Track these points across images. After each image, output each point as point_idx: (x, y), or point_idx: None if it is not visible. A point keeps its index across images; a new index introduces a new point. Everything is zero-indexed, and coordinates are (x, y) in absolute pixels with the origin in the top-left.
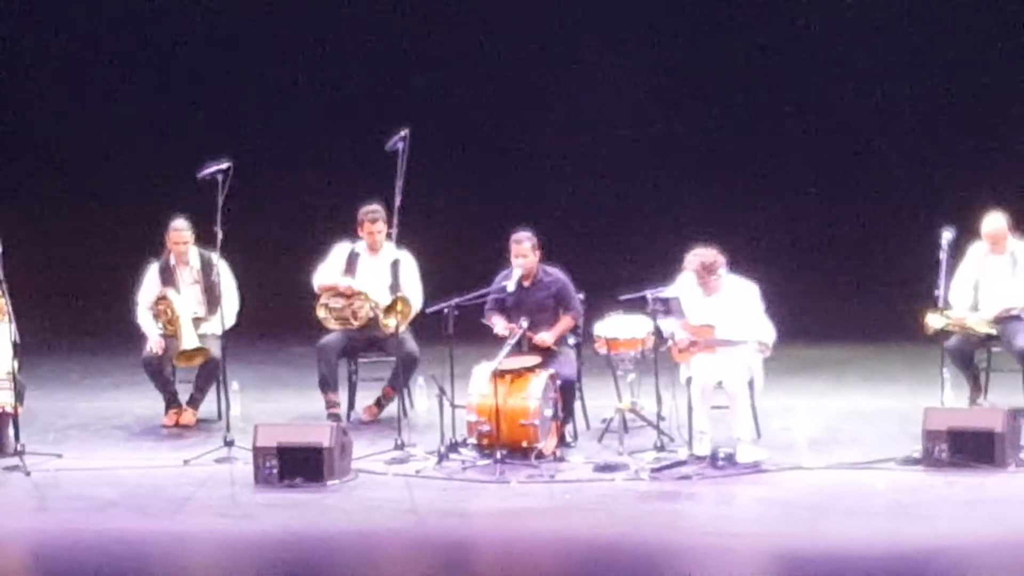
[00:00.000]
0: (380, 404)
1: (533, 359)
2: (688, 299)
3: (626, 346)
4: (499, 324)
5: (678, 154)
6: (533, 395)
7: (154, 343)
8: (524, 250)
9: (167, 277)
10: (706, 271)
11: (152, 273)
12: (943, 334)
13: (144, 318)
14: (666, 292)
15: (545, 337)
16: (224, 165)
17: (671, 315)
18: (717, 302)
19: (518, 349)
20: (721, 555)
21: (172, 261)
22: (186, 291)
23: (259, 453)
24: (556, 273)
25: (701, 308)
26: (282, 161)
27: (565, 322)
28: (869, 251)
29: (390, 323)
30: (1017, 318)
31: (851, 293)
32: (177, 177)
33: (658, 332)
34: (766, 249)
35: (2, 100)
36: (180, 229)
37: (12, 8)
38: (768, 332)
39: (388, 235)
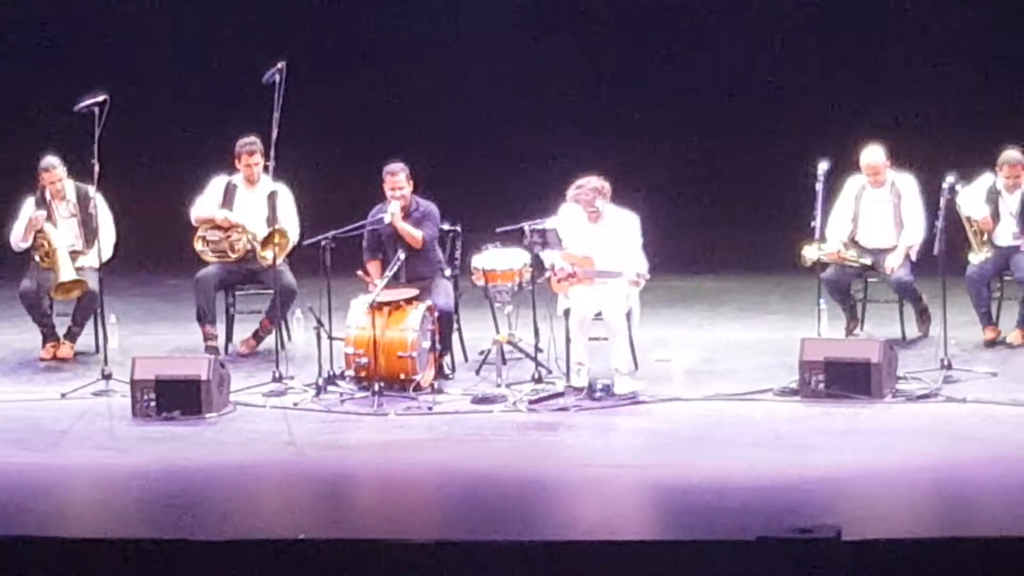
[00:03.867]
0: (258, 336)
1: (410, 291)
2: (570, 229)
3: (503, 278)
4: (373, 280)
5: (554, 85)
6: (411, 327)
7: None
8: (399, 181)
9: (43, 210)
10: (597, 192)
11: (28, 207)
12: (820, 265)
13: (17, 232)
14: (544, 224)
15: (395, 212)
16: (100, 98)
17: (548, 247)
18: (599, 232)
19: (395, 281)
20: (599, 486)
21: (48, 196)
22: (63, 225)
23: (137, 386)
24: (426, 203)
25: (582, 238)
26: (158, 93)
27: (415, 231)
28: (745, 183)
29: (267, 255)
30: (893, 249)
31: (727, 225)
32: (52, 110)
33: (538, 263)
34: (642, 180)
35: None
36: (52, 168)
37: None
38: (641, 264)
39: (265, 168)
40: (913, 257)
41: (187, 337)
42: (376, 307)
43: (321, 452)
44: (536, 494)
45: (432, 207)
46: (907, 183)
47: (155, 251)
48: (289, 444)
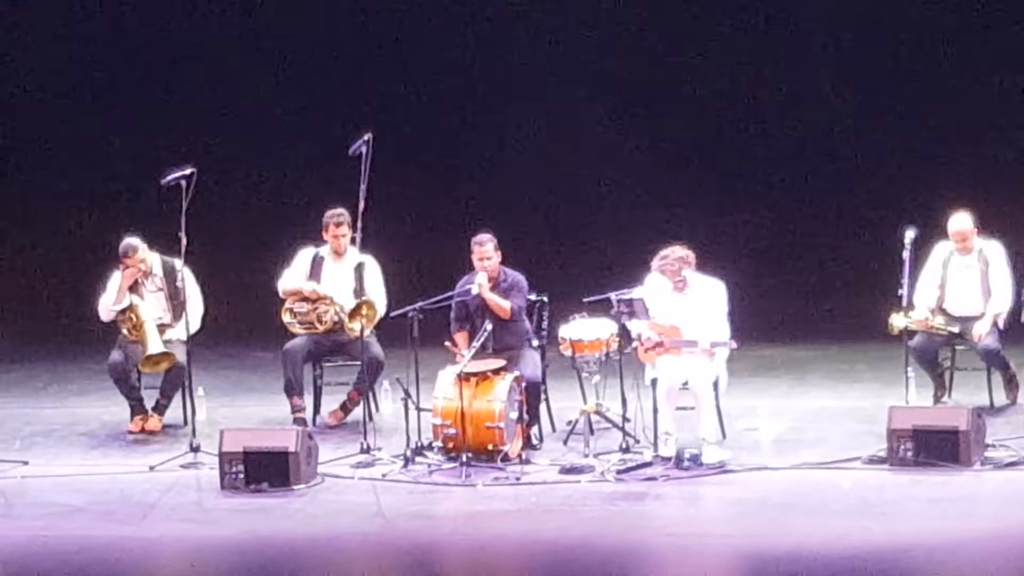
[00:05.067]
0: (345, 408)
1: (498, 362)
2: (656, 299)
3: (590, 348)
4: (461, 350)
5: (641, 156)
6: (498, 398)
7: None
8: (487, 252)
9: (131, 284)
10: (682, 262)
11: (115, 279)
12: (907, 333)
13: (107, 299)
14: (631, 294)
15: (482, 283)
16: (187, 171)
17: (635, 316)
18: (685, 301)
19: (483, 352)
20: (687, 556)
21: None
22: (150, 298)
23: (225, 458)
24: (514, 273)
25: (669, 307)
26: (245, 166)
27: (503, 302)
28: (832, 250)
29: (355, 327)
30: (981, 317)
31: (814, 293)
32: (139, 183)
33: (624, 332)
34: (729, 250)
35: None
36: (133, 252)
37: None
38: (723, 333)
39: (352, 239)
40: (1001, 325)
41: (275, 409)
42: (464, 378)
43: (409, 523)
44: (624, 564)
45: (520, 277)
46: (995, 250)
47: (242, 323)
48: (377, 515)
